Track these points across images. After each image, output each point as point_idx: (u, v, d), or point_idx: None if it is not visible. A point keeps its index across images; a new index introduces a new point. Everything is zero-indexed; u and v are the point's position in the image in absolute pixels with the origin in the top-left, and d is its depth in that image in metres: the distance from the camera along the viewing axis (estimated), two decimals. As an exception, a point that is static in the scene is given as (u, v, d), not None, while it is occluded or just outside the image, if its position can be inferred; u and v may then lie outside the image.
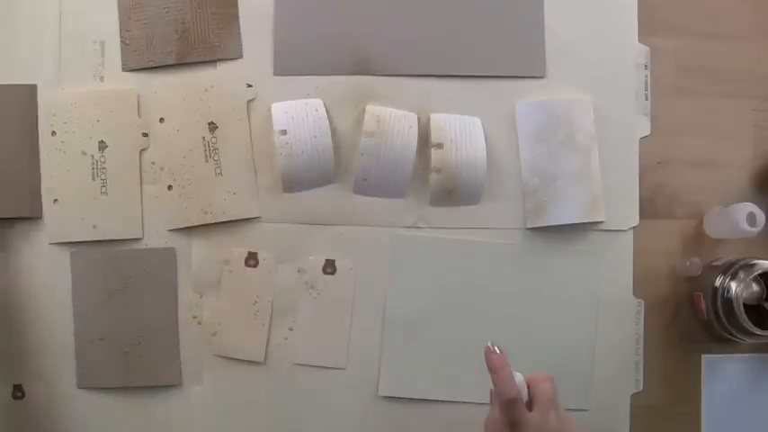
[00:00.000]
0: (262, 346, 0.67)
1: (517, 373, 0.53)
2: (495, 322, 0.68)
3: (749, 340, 0.66)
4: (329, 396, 0.68)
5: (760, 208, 0.65)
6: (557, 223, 0.68)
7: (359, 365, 0.68)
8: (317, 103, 0.66)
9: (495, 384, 0.52)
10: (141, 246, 0.68)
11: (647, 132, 0.69)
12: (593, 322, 0.68)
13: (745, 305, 0.64)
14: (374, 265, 0.68)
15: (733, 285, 0.64)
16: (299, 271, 0.68)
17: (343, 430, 0.68)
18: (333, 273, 0.68)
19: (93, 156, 0.68)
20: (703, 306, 0.67)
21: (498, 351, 0.53)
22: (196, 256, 0.68)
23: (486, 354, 0.53)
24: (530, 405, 0.53)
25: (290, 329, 0.68)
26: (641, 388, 0.69)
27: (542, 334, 0.68)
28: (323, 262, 0.68)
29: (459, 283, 0.68)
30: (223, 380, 0.68)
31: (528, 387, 0.54)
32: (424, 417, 0.68)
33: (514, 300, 0.68)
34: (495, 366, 0.52)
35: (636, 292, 0.69)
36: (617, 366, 0.68)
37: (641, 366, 0.69)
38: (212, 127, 0.68)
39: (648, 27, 0.70)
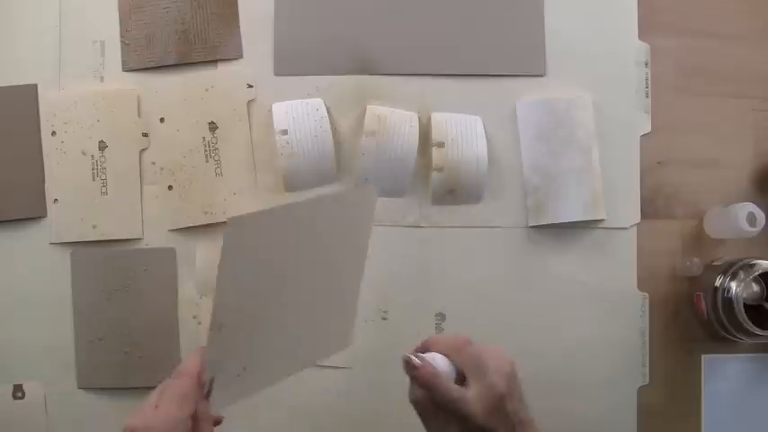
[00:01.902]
0: (266, 346, 0.68)
1: (435, 355, 0.50)
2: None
3: (749, 340, 0.66)
4: (335, 396, 0.68)
5: (760, 208, 0.65)
6: (558, 221, 0.68)
7: (365, 365, 0.68)
8: (318, 102, 0.66)
9: (435, 397, 0.48)
10: (141, 246, 0.68)
11: (648, 130, 0.70)
12: (597, 317, 0.68)
13: (745, 305, 0.64)
14: (377, 264, 0.68)
15: (733, 285, 0.65)
16: (302, 271, 0.68)
17: (347, 430, 0.68)
18: (337, 272, 0.68)
19: (93, 156, 0.68)
20: (703, 306, 0.67)
21: (418, 361, 0.49)
22: (200, 256, 0.68)
23: (408, 372, 0.49)
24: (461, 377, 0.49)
25: (294, 329, 0.68)
26: (647, 381, 0.69)
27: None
28: (326, 261, 0.68)
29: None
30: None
31: (449, 356, 0.50)
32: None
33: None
34: (427, 383, 0.48)
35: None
36: (623, 361, 0.69)
37: (647, 360, 0.69)
38: (213, 127, 0.68)
39: (649, 27, 0.70)
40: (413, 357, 0.50)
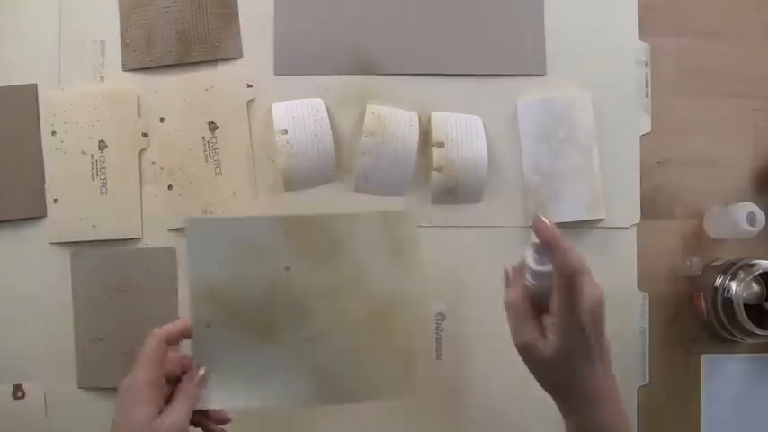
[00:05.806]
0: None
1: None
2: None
3: (749, 340, 0.66)
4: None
5: (760, 208, 0.65)
6: (558, 221, 0.67)
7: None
8: (318, 102, 0.66)
9: (555, 258, 0.48)
10: (141, 246, 0.68)
11: (648, 129, 0.70)
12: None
13: (745, 305, 0.64)
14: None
15: (733, 285, 0.64)
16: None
17: (348, 430, 0.68)
18: (338, 272, 0.68)
19: (93, 156, 0.68)
20: (703, 306, 0.67)
21: (546, 221, 0.49)
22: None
23: (536, 225, 0.49)
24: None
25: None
26: (647, 381, 0.69)
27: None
28: (328, 261, 0.68)
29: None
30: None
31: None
32: (436, 419, 0.68)
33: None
34: (549, 240, 0.48)
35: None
36: (623, 361, 0.68)
37: (647, 360, 0.69)
38: (212, 127, 0.68)
39: (648, 27, 0.70)
40: (542, 217, 0.49)
